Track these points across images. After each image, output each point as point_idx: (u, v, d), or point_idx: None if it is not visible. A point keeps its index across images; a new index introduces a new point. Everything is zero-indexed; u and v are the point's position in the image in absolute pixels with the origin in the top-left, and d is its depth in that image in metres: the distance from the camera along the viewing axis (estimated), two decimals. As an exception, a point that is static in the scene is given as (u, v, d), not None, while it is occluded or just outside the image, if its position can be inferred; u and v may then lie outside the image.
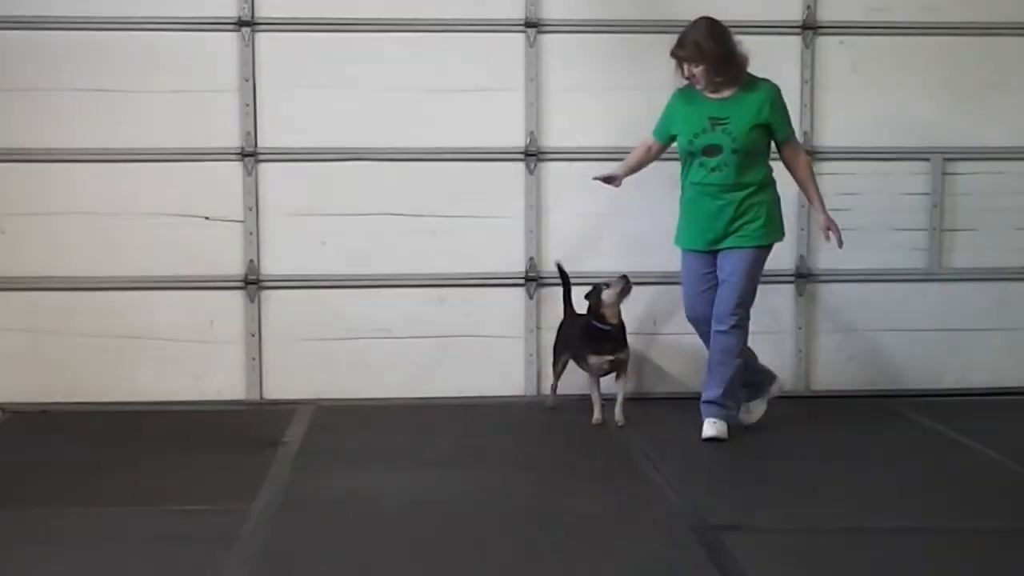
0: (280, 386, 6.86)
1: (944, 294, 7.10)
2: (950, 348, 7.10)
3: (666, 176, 6.81)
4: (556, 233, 6.90)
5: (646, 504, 5.16)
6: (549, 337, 6.80)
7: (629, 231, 6.86)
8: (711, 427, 5.99)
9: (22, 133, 6.69)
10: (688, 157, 6.02)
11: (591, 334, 6.29)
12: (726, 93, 5.96)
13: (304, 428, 6.33)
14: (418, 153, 6.73)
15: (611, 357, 6.27)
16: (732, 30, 6.80)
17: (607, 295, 6.25)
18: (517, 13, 6.81)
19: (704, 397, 6.08)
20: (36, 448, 6.04)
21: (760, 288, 6.93)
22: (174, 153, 6.75)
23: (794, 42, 6.93)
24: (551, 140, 6.86)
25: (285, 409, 6.69)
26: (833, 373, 7.09)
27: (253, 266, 6.82)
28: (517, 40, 6.81)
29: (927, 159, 7.02)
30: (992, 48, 7.02)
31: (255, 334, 6.83)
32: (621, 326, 6.32)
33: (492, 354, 6.87)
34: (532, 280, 6.89)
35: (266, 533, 4.77)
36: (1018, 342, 7.12)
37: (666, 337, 6.98)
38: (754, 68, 6.90)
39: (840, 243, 6.13)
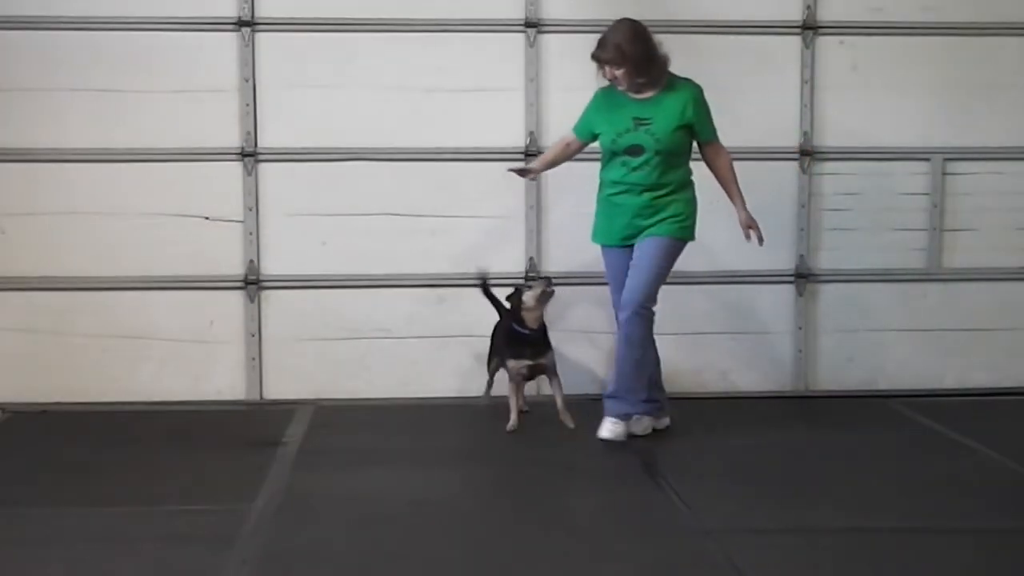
0: (280, 386, 6.86)
1: (944, 294, 7.10)
2: (950, 348, 7.10)
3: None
4: (556, 233, 6.90)
5: (646, 505, 5.16)
6: (549, 337, 6.81)
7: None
8: (609, 428, 5.97)
9: (22, 133, 6.69)
10: (610, 156, 6.02)
11: (511, 337, 6.21)
12: (648, 94, 5.96)
13: (304, 428, 6.34)
14: (418, 153, 6.73)
15: (530, 362, 6.18)
16: (733, 30, 6.84)
17: (527, 297, 6.16)
18: (517, 13, 6.82)
19: (606, 391, 6.07)
20: (36, 448, 6.04)
21: (760, 288, 6.99)
22: (174, 153, 6.75)
23: (794, 42, 6.93)
24: (551, 140, 6.84)
25: (285, 409, 6.69)
26: (833, 373, 7.09)
27: (253, 266, 6.82)
28: (517, 40, 6.81)
29: (927, 159, 7.02)
30: (992, 48, 7.02)
31: (255, 334, 6.83)
32: (542, 330, 6.21)
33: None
34: (532, 280, 6.88)
35: (266, 533, 4.77)
36: (1018, 342, 7.12)
37: (665, 337, 6.97)
38: (754, 68, 6.94)
39: (760, 241, 6.08)
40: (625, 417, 6.02)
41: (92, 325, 6.77)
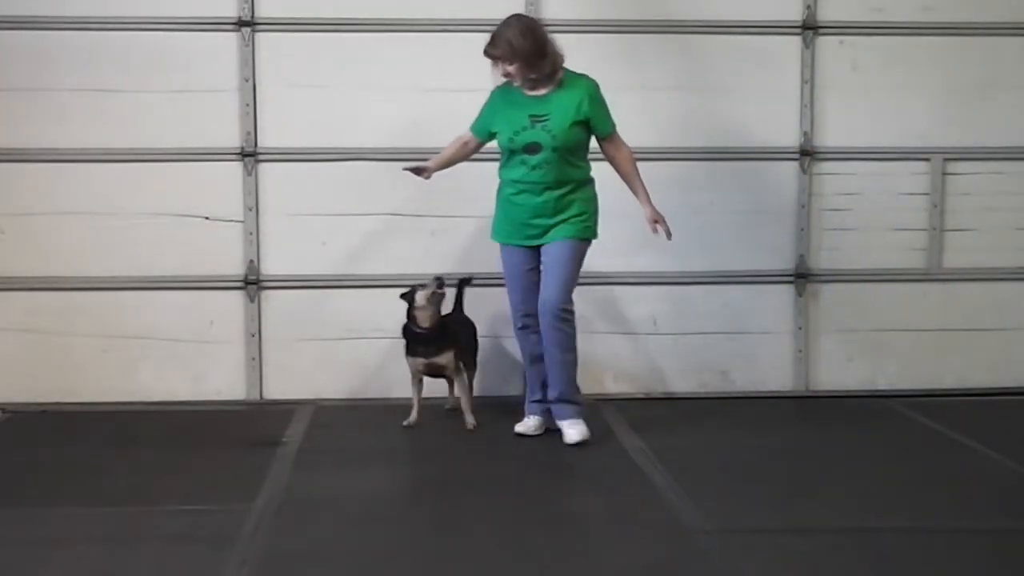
0: (280, 386, 6.86)
1: (944, 294, 7.10)
2: (950, 348, 7.10)
3: (665, 176, 6.83)
4: (556, 233, 6.89)
5: (646, 505, 5.16)
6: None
7: (628, 231, 6.85)
8: (575, 431, 5.97)
9: (22, 133, 6.69)
10: (509, 154, 6.00)
11: (409, 336, 6.24)
12: (544, 91, 5.94)
13: (304, 428, 6.34)
14: (418, 153, 6.71)
15: (425, 360, 6.19)
16: (733, 30, 6.84)
17: (419, 297, 6.17)
18: (517, 13, 6.82)
19: (551, 397, 6.05)
20: (36, 448, 6.04)
21: (760, 288, 6.99)
22: (174, 153, 6.75)
23: (794, 42, 6.93)
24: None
25: (285, 409, 6.69)
26: (833, 373, 7.09)
27: (253, 266, 6.82)
28: (517, 40, 6.80)
29: (927, 159, 7.02)
30: (992, 48, 7.02)
31: (255, 334, 6.83)
32: (438, 329, 6.20)
33: (492, 354, 6.86)
34: (532, 280, 6.89)
35: (266, 533, 4.77)
36: (1018, 342, 7.12)
37: (665, 337, 6.99)
38: (754, 68, 6.93)
39: (668, 235, 6.05)
40: (578, 415, 6.02)
41: (92, 325, 6.77)
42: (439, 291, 6.18)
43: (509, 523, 4.95)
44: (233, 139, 6.77)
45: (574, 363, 6.03)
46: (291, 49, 6.77)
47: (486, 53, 5.94)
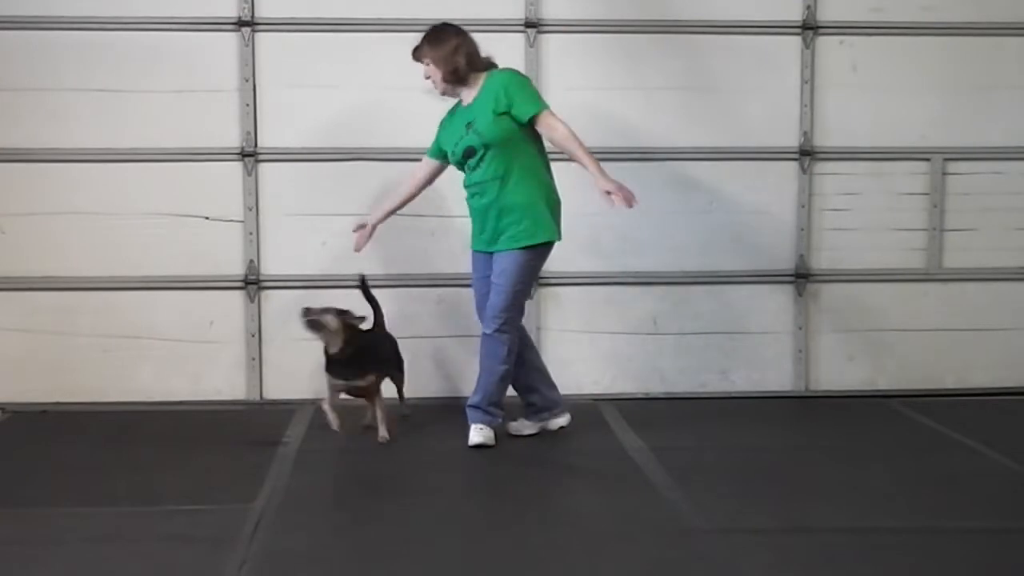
0: (280, 386, 6.86)
1: (944, 294, 7.10)
2: (950, 348, 7.10)
3: (665, 176, 6.83)
4: (556, 233, 6.89)
5: (645, 505, 5.15)
6: (549, 337, 6.83)
7: (628, 231, 6.86)
8: (477, 434, 5.95)
9: (22, 133, 6.69)
10: (459, 166, 6.03)
11: (327, 359, 6.04)
12: (470, 98, 5.97)
13: (304, 428, 6.33)
14: (418, 153, 6.69)
15: (341, 382, 6.00)
16: (733, 30, 6.84)
17: (326, 320, 5.96)
18: (517, 13, 6.82)
19: (469, 401, 6.05)
20: (36, 448, 6.04)
21: (760, 288, 6.99)
22: (174, 153, 6.75)
23: (794, 42, 6.93)
24: (551, 140, 6.86)
25: (285, 409, 6.69)
26: (833, 373, 7.09)
27: (253, 266, 6.82)
28: (517, 40, 6.81)
29: (927, 159, 7.02)
30: (992, 48, 7.02)
31: (255, 334, 6.83)
32: (351, 355, 5.95)
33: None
34: (532, 280, 6.89)
35: (266, 533, 4.77)
36: (1018, 342, 7.12)
37: (665, 337, 6.98)
38: (754, 68, 6.94)
39: (629, 204, 5.80)
40: (493, 423, 5.99)
41: (92, 325, 6.77)
42: (310, 321, 5.92)
43: (509, 522, 4.95)
44: (233, 139, 6.77)
45: (501, 375, 5.95)
46: (291, 49, 6.77)
47: (413, 56, 5.98)
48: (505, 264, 5.89)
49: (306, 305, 5.98)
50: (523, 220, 5.87)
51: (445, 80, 5.95)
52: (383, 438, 6.02)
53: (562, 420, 6.18)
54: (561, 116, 5.87)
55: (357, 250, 6.26)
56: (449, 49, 5.90)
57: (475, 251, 6.10)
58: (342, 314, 5.96)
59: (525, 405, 6.18)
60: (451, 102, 6.06)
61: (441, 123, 6.12)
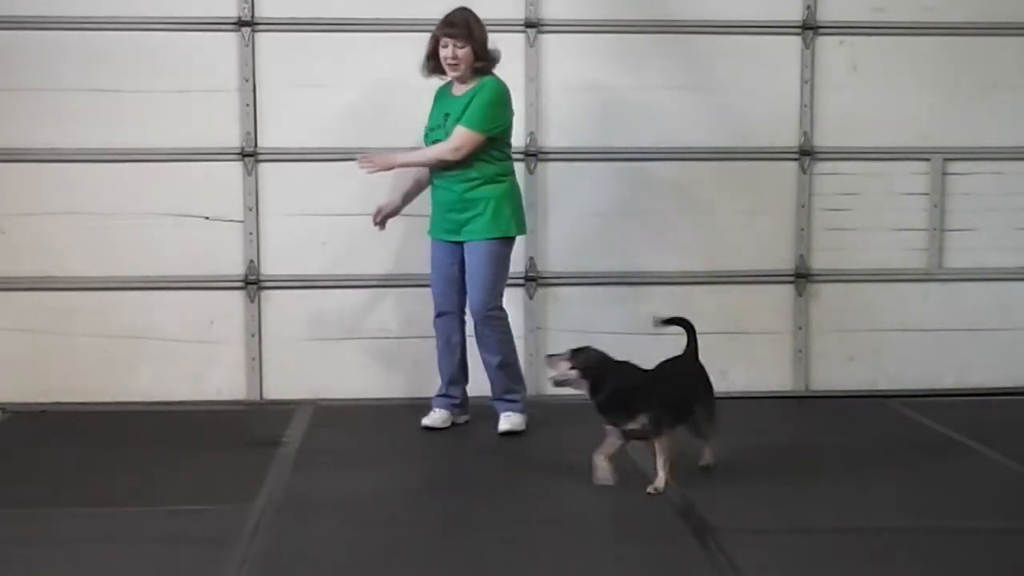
0: (280, 386, 6.86)
1: (944, 294, 7.10)
2: (950, 348, 7.10)
3: (666, 176, 6.83)
4: (556, 233, 6.90)
5: (646, 504, 5.15)
6: (549, 337, 6.83)
7: (628, 231, 6.86)
8: (504, 421, 6.14)
9: (22, 133, 6.69)
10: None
11: None
12: (461, 92, 6.04)
13: (304, 428, 6.34)
14: (418, 153, 6.73)
15: (612, 427, 5.49)
16: (733, 30, 6.86)
17: None
18: (517, 13, 6.82)
19: (493, 395, 6.22)
20: (36, 448, 6.04)
21: (760, 288, 6.98)
22: (174, 153, 6.75)
23: (794, 42, 6.93)
24: (551, 140, 6.86)
25: (285, 409, 6.69)
26: (833, 373, 7.09)
27: (253, 266, 6.82)
28: (517, 40, 6.80)
29: (927, 159, 7.02)
30: (992, 48, 7.02)
31: (255, 334, 6.83)
32: (612, 395, 5.33)
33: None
34: (532, 280, 6.89)
35: (266, 533, 4.77)
36: (1018, 342, 7.12)
37: (666, 338, 6.97)
38: (754, 68, 6.93)
39: (370, 170, 6.08)
40: (522, 409, 6.20)
41: (92, 325, 6.77)
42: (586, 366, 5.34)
43: (509, 523, 4.95)
44: (233, 139, 6.77)
45: (509, 364, 6.17)
46: (291, 49, 6.77)
47: (443, 33, 6.00)
48: (480, 257, 6.03)
49: (549, 353, 5.59)
50: (487, 213, 6.00)
51: (471, 66, 5.99)
52: (654, 489, 5.25)
53: (467, 417, 6.37)
54: (470, 145, 5.93)
55: (381, 225, 6.35)
56: (487, 39, 6.01)
57: (436, 240, 6.19)
58: (576, 355, 5.33)
59: (444, 396, 6.30)
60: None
61: (435, 96, 6.18)
